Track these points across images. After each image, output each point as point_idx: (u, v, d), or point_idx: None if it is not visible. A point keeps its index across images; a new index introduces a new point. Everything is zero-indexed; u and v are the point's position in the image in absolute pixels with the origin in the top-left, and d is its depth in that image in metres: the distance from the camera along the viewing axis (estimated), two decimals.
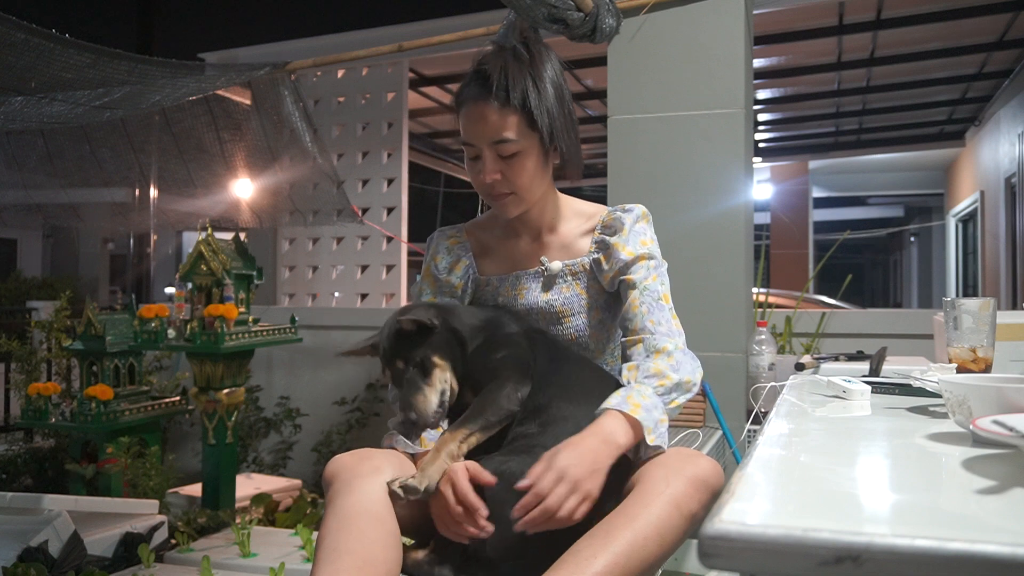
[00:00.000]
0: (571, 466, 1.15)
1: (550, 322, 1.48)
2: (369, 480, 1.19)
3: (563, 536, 1.17)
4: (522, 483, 1.16)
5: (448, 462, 1.22)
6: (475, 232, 1.59)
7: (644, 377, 1.31)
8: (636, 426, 1.23)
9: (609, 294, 1.49)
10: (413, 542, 1.31)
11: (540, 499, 1.14)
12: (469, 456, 1.25)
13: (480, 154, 1.40)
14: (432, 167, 7.73)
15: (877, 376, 1.45)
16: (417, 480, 1.20)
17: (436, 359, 1.31)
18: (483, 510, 1.17)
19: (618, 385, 1.34)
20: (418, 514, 1.25)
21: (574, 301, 1.47)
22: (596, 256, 1.48)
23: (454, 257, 1.55)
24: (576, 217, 1.54)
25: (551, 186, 1.50)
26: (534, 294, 1.49)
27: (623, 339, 1.43)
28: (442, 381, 1.32)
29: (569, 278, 1.49)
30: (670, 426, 1.32)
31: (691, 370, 1.36)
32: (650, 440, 1.24)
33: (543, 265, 1.49)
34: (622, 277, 1.44)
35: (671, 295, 1.46)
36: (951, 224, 9.20)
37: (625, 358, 1.41)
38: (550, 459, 1.17)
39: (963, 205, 8.31)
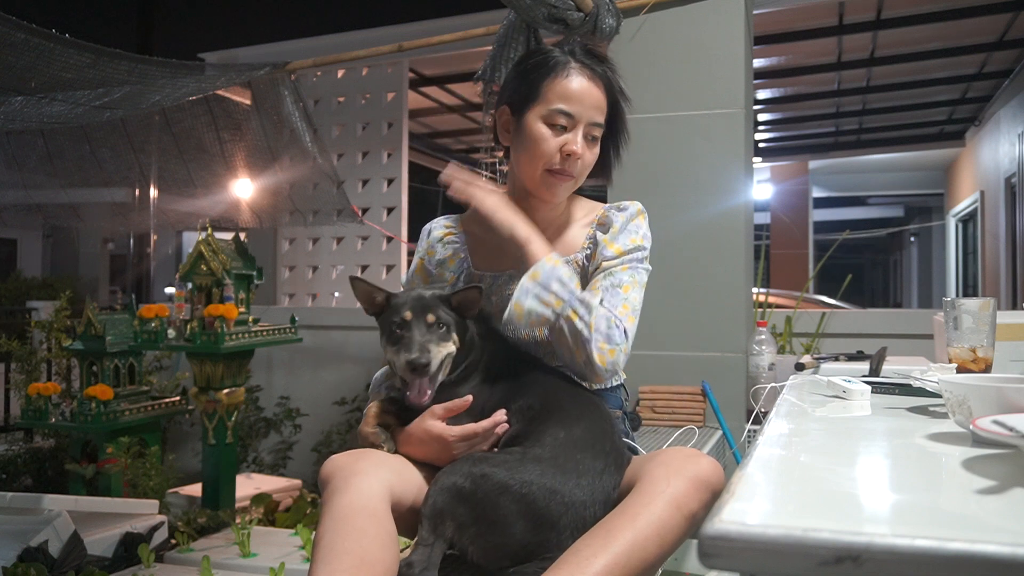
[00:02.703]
0: None
1: None
2: (365, 478, 1.17)
3: (552, 542, 1.16)
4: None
5: (374, 425, 1.32)
6: (470, 224, 1.56)
7: None
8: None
9: None
10: (409, 543, 1.30)
11: None
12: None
13: (570, 127, 1.40)
14: (432, 167, 7.71)
15: (877, 376, 1.45)
16: (385, 445, 1.31)
17: (454, 336, 1.33)
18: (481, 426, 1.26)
19: (598, 403, 1.34)
20: (415, 512, 1.24)
21: None
22: (588, 252, 1.47)
23: (448, 251, 1.54)
24: (578, 211, 1.54)
25: None
26: None
27: None
28: (449, 351, 1.32)
29: None
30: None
31: (605, 327, 1.31)
32: (531, 274, 1.31)
33: None
34: (598, 264, 1.43)
35: (645, 296, 1.43)
36: (951, 224, 9.20)
37: None
38: None
39: (963, 205, 8.31)
